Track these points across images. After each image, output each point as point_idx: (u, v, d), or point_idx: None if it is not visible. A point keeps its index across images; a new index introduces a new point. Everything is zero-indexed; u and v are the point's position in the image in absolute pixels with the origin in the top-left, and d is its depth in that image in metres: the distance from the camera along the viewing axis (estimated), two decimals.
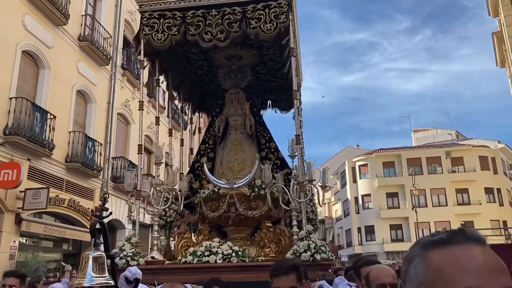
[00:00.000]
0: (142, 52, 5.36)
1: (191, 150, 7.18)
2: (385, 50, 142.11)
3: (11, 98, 10.23)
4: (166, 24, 5.10)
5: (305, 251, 4.42)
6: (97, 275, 2.53)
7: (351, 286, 3.04)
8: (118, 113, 15.26)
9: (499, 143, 39.73)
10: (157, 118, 6.08)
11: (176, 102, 7.43)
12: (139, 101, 5.55)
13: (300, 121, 5.27)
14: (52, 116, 11.35)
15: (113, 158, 14.50)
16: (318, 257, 4.39)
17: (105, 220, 2.72)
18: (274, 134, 6.55)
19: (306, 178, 4.91)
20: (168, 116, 16.33)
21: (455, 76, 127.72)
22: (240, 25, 4.95)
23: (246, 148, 6.18)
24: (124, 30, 16.07)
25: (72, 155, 12.26)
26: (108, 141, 14.17)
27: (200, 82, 7.07)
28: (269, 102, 7.31)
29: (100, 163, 13.61)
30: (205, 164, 5.90)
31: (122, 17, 15.82)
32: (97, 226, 2.59)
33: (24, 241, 11.13)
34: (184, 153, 7.03)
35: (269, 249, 5.43)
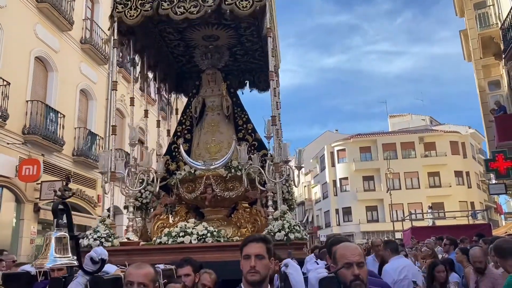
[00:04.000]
0: (115, 31, 5.11)
1: (168, 131, 6.97)
2: (366, 32, 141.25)
3: (27, 101, 11.34)
4: (140, 1, 4.85)
5: (279, 231, 4.32)
6: (60, 256, 2.37)
7: (318, 264, 2.95)
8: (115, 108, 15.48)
9: (469, 128, 40.64)
10: (132, 99, 5.85)
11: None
12: (113, 81, 5.34)
13: (277, 102, 5.12)
14: (61, 115, 12.39)
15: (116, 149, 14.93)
16: (292, 236, 4.27)
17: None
18: (253, 117, 6.39)
19: (282, 159, 4.79)
20: (140, 89, 16.46)
21: (434, 59, 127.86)
22: (214, 0, 4.74)
23: (223, 129, 5.97)
24: None
25: (78, 149, 13.34)
26: (108, 135, 14.43)
27: (176, 63, 6.78)
28: (247, 82, 7.05)
29: None
30: (181, 145, 5.71)
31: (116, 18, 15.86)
32: (60, 206, 2.42)
33: (41, 227, 12.04)
34: (160, 134, 6.83)
35: (245, 229, 5.32)
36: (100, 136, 14.58)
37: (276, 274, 2.89)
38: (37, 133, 11.21)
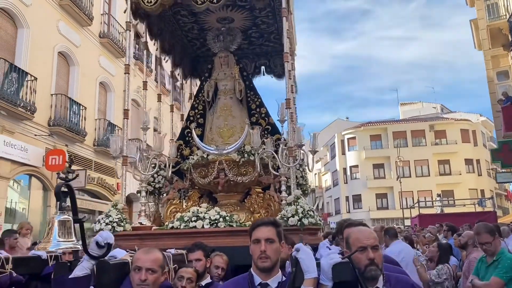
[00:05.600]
0: (129, 14, 4.89)
1: (182, 116, 6.77)
2: (379, 18, 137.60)
3: (52, 95, 11.74)
4: None
5: (292, 216, 4.11)
6: (64, 240, 2.21)
7: (330, 249, 2.75)
8: (132, 99, 15.67)
9: (480, 116, 39.74)
10: (145, 83, 5.65)
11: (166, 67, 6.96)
12: (125, 65, 5.17)
13: (291, 85, 4.86)
14: (83, 107, 12.84)
15: (130, 139, 15.34)
16: (305, 221, 4.06)
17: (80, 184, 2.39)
18: (266, 102, 6.14)
19: (295, 143, 4.55)
20: (156, 80, 16.56)
21: (448, 45, 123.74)
22: None
23: (236, 113, 5.74)
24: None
25: (99, 140, 13.70)
26: (125, 124, 14.92)
27: (191, 47, 6.52)
28: (263, 68, 6.77)
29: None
30: (193, 130, 5.50)
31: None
32: (63, 188, 2.24)
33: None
34: (174, 119, 6.63)
35: (259, 215, 5.11)
36: (118, 127, 14.88)
37: (287, 261, 2.71)
38: (61, 125, 11.65)
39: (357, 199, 38.86)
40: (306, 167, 5.06)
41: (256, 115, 5.97)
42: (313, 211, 4.17)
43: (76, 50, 13.06)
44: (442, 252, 5.21)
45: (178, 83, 7.01)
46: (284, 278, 2.07)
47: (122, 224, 4.47)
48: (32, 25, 11.06)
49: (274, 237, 2.08)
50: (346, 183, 39.95)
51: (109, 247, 2.24)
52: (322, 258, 1.91)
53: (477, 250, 4.29)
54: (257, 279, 2.06)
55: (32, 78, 10.64)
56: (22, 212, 11.28)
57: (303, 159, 4.93)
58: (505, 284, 3.53)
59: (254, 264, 2.09)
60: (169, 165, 5.14)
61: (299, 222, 4.04)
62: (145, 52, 6.18)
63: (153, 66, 16.78)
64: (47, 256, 3.56)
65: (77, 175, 2.36)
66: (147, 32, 5.58)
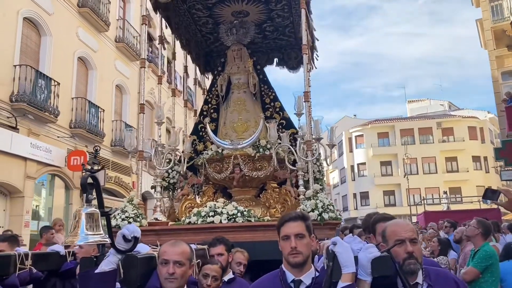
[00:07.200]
0: (145, 7, 4.85)
1: (195, 111, 6.68)
2: (386, 13, 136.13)
3: (72, 98, 12.25)
4: None
5: (312, 210, 4.02)
6: (91, 233, 2.12)
7: (366, 243, 2.65)
8: (146, 100, 16.18)
9: (488, 113, 39.30)
10: (160, 77, 5.58)
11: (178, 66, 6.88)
12: (141, 59, 5.10)
13: (308, 78, 4.76)
14: (101, 110, 13.29)
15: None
16: (326, 216, 3.97)
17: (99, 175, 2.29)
18: (280, 95, 6.02)
19: (314, 137, 4.45)
20: (168, 82, 16.60)
21: (457, 40, 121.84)
22: None
23: (249, 107, 5.62)
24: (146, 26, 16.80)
25: (115, 140, 14.14)
26: (138, 125, 15.41)
27: (204, 41, 6.42)
28: (276, 59, 6.63)
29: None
30: (207, 125, 5.41)
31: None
32: (89, 180, 2.17)
33: None
34: (188, 114, 6.54)
35: (274, 210, 5.03)
36: (134, 128, 15.05)
37: (316, 255, 2.61)
38: (82, 127, 12.14)
39: (364, 196, 38.64)
40: (324, 161, 4.95)
41: (271, 109, 5.86)
42: (332, 205, 4.08)
43: (94, 55, 13.47)
44: (442, 246, 5.68)
45: (191, 79, 6.92)
46: (317, 274, 1.96)
47: (138, 219, 4.41)
48: (54, 32, 11.57)
49: (303, 231, 1.98)
50: (354, 180, 39.75)
51: (136, 240, 2.15)
52: (360, 252, 1.79)
53: (471, 244, 4.45)
54: (290, 276, 1.95)
55: (55, 83, 11.13)
56: (46, 210, 11.77)
57: (320, 153, 4.84)
58: (481, 273, 3.77)
59: (285, 261, 1.99)
60: (184, 160, 5.06)
61: (319, 217, 3.95)
62: (160, 46, 6.06)
63: (165, 68, 16.83)
64: (66, 252, 3.50)
65: (103, 166, 2.26)
66: (162, 27, 5.49)
